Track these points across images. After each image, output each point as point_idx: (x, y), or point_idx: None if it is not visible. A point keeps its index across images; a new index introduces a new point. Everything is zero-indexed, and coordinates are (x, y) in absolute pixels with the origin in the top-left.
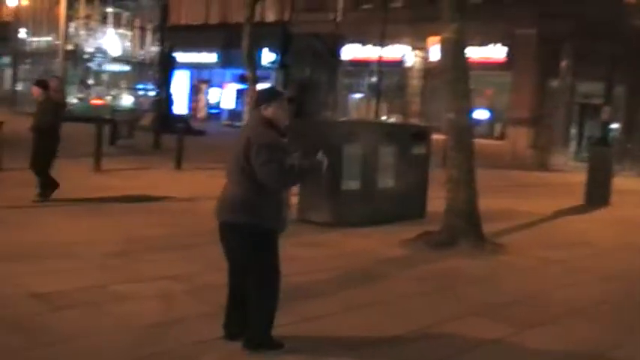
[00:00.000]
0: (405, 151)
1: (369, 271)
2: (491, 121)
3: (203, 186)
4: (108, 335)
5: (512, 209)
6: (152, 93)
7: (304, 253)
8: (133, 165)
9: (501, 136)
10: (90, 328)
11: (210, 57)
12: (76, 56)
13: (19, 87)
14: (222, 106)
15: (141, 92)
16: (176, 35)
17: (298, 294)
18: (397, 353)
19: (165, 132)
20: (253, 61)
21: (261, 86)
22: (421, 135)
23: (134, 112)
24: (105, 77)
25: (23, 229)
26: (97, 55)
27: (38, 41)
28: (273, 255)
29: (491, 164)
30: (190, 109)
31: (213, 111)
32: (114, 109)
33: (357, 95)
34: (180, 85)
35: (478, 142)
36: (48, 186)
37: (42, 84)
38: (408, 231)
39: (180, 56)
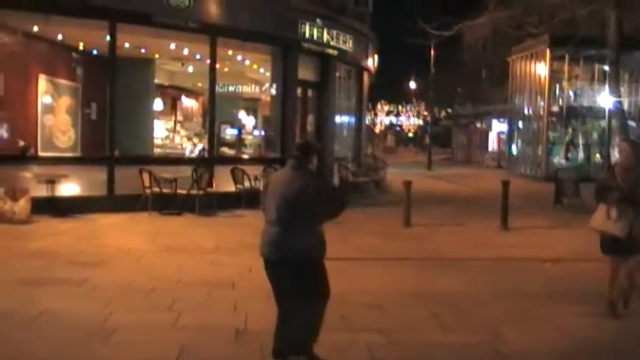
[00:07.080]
0: None
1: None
2: None
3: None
4: None
5: None
6: None
7: (572, 323)
8: (551, 223)
9: None
10: None
11: None
12: (562, 116)
13: (514, 149)
14: None
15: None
16: None
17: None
18: None
19: None
20: None
21: None
22: None
23: (580, 170)
24: (595, 135)
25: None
26: (585, 113)
27: (529, 103)
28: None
29: None
30: None
31: None
32: (559, 168)
33: None
34: None
35: None
36: None
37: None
38: None
39: None
